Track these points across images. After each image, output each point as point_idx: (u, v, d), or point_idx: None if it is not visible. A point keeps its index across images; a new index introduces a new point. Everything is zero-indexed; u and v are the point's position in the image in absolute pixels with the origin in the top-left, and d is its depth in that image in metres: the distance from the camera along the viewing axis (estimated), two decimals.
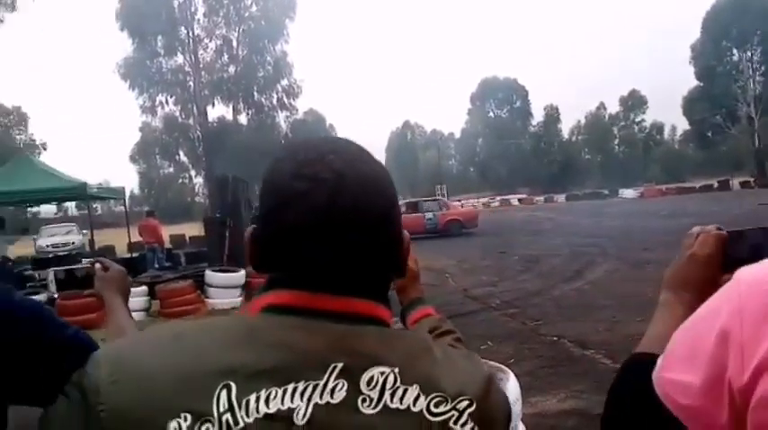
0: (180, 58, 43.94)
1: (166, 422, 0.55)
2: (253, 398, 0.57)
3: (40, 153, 41.36)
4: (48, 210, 42.47)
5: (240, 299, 9.91)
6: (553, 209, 40.27)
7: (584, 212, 31.38)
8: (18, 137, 51.15)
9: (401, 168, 78.34)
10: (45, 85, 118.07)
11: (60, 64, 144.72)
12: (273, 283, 0.67)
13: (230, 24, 44.12)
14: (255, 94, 46.18)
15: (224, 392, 0.56)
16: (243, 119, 48.08)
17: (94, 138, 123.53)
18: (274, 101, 46.99)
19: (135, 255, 14.85)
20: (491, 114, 79.93)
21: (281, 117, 48.97)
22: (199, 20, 43.50)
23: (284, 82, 46.38)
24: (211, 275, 10.03)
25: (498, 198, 54.99)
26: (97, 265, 1.36)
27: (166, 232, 18.80)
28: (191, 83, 43.86)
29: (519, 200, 53.99)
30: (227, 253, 11.16)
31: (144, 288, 9.82)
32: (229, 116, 47.82)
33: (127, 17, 40.59)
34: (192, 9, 42.82)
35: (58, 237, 22.82)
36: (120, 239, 19.55)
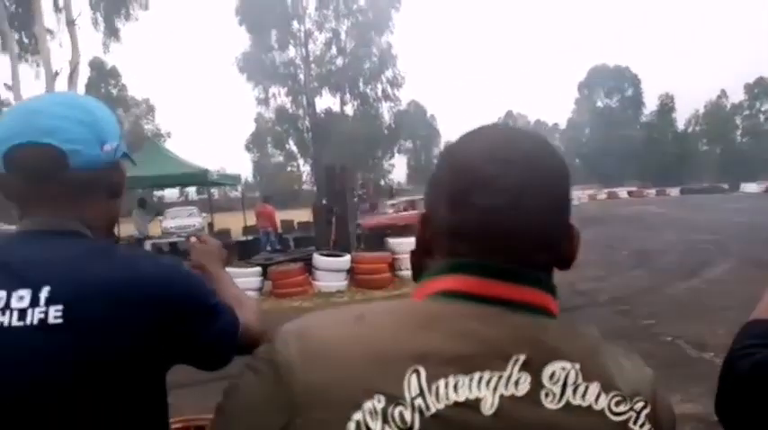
0: (292, 52, 45.80)
1: (361, 402, 0.55)
2: (442, 384, 0.57)
3: (165, 141, 44.65)
4: (171, 194, 45.96)
5: (345, 282, 10.25)
6: (665, 202, 37.78)
7: (701, 207, 29.17)
8: (147, 126, 55.55)
9: None
10: (171, 79, 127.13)
11: (185, 59, 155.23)
12: (446, 268, 0.66)
13: (339, 17, 45.27)
14: (361, 85, 47.17)
15: (414, 377, 0.56)
16: (349, 109, 49.29)
17: (213, 128, 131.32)
18: (379, 92, 47.75)
19: (249, 237, 15.77)
20: (599, 104, 76.07)
21: (385, 108, 49.63)
22: (310, 14, 45.04)
23: (389, 73, 46.95)
24: (319, 259, 10.44)
25: (605, 190, 52.33)
26: (193, 239, 1.38)
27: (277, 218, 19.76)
28: (301, 75, 45.57)
29: (628, 192, 51.09)
30: (333, 238, 11.54)
31: (258, 269, 10.43)
32: (336, 107, 49.18)
33: (245, 12, 42.85)
34: (304, 3, 44.38)
35: (181, 219, 24.74)
36: (235, 223, 20.78)
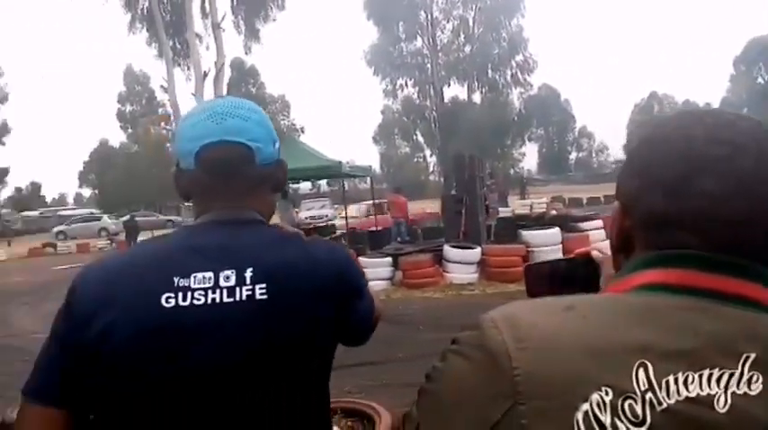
0: (419, 42, 45.94)
1: (587, 394, 0.54)
2: (671, 379, 0.55)
3: (299, 136, 46.86)
4: (304, 186, 48.20)
5: (476, 274, 10.09)
6: None
7: None
8: (282, 122, 58.69)
9: None
10: (303, 75, 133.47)
11: (316, 55, 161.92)
12: (656, 261, 0.63)
13: (467, 4, 44.61)
14: (490, 71, 46.20)
15: (641, 370, 0.55)
16: (477, 97, 48.57)
17: (342, 121, 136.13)
18: (508, 77, 46.48)
19: (379, 228, 16.09)
20: (760, 80, 68.20)
21: (515, 94, 48.28)
22: (437, 2, 44.84)
23: (519, 57, 45.55)
24: (449, 250, 10.37)
25: None
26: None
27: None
28: (428, 65, 45.58)
29: None
30: (462, 229, 11.40)
31: (389, 259, 10.58)
32: (463, 95, 48.67)
33: (372, 6, 43.65)
34: None
35: (315, 210, 26.03)
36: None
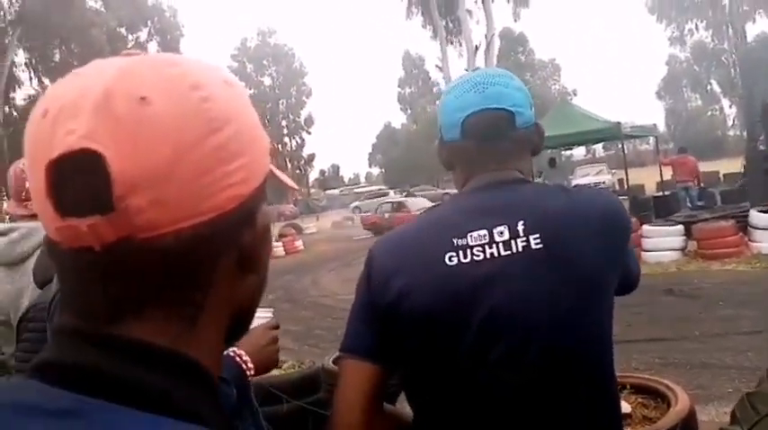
0: None
1: None
2: None
3: (571, 99, 44.81)
4: (578, 152, 46.11)
5: None
6: None
7: None
8: (553, 87, 56.74)
9: None
10: (574, 35, 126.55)
11: (587, 13, 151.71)
12: None
13: None
14: None
15: None
16: None
17: (619, 79, 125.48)
18: None
19: (666, 193, 14.56)
20: None
21: None
22: None
23: None
24: (757, 216, 8.89)
25: None
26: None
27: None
28: (725, 2, 39.09)
29: None
30: None
31: (680, 227, 9.55)
32: None
33: None
34: None
35: (590, 176, 24.67)
36: (649, 178, 19.53)
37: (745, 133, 37.20)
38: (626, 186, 15.52)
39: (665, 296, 6.93)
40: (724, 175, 22.60)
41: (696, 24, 41.59)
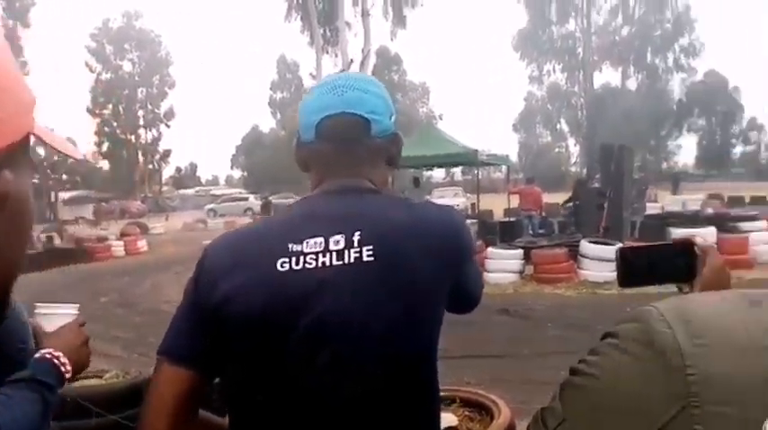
0: (572, 24, 43.89)
1: None
2: None
3: (437, 123, 46.91)
4: (438, 174, 48.29)
5: (614, 273, 9.39)
6: None
7: None
8: (421, 110, 59.02)
9: None
10: (444, 61, 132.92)
11: (459, 41, 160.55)
12: None
13: None
14: (649, 55, 42.91)
15: None
16: (631, 83, 45.35)
17: (481, 108, 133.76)
18: (670, 62, 42.84)
19: (512, 219, 15.62)
20: None
21: (676, 80, 44.38)
22: None
23: (683, 41, 41.78)
24: (587, 246, 9.79)
25: None
26: None
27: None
28: (580, 49, 43.42)
29: None
30: (603, 224, 10.72)
31: (520, 251, 10.26)
32: (616, 81, 45.71)
33: None
34: None
35: (447, 199, 25.92)
36: (498, 204, 20.87)
37: (584, 170, 41.41)
38: (477, 210, 16.40)
39: (501, 316, 7.33)
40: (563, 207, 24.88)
41: (554, 66, 45.69)
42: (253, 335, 0.98)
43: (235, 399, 1.04)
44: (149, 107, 54.10)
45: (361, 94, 1.09)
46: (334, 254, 0.98)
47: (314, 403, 0.97)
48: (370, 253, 0.97)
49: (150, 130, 54.54)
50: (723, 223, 10.76)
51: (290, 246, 1.00)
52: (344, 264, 0.97)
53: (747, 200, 23.26)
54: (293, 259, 0.99)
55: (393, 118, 1.14)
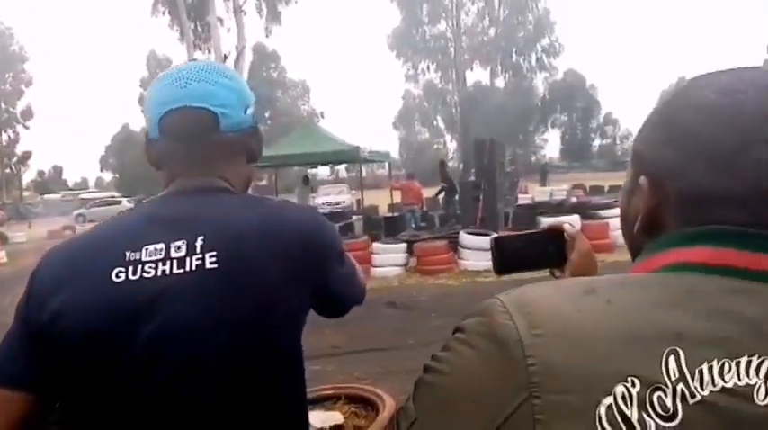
0: (442, 25, 45.58)
1: (611, 385, 0.49)
2: (705, 368, 0.50)
3: (318, 121, 46.76)
4: (323, 172, 48.33)
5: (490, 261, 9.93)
6: None
7: None
8: (303, 107, 58.57)
9: None
10: (324, 60, 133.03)
11: (338, 39, 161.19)
12: (694, 238, 0.58)
13: None
14: (514, 55, 45.69)
15: (672, 358, 0.50)
16: (500, 82, 48.02)
17: (362, 106, 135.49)
18: (533, 62, 45.89)
19: (395, 214, 15.95)
20: None
21: (539, 79, 47.65)
22: None
23: (544, 41, 44.99)
24: (465, 237, 10.22)
25: None
26: None
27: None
28: (451, 49, 45.20)
29: None
30: (479, 215, 11.23)
31: (403, 245, 10.49)
32: (486, 80, 48.15)
33: None
34: None
35: (332, 196, 25.94)
36: (382, 200, 21.23)
37: (461, 165, 43.30)
38: (362, 206, 16.58)
39: (387, 308, 7.46)
40: (443, 200, 25.83)
41: (428, 65, 47.14)
42: (85, 352, 0.89)
43: (74, 422, 0.95)
44: (3, 106, 49.23)
45: (207, 86, 1.00)
46: (174, 262, 0.91)
47: (154, 418, 0.91)
48: (213, 259, 0.91)
49: (6, 132, 49.70)
50: (586, 211, 11.63)
51: (127, 254, 0.92)
52: (185, 271, 0.91)
53: (606, 188, 25.46)
54: (130, 268, 0.91)
55: (249, 110, 1.07)
